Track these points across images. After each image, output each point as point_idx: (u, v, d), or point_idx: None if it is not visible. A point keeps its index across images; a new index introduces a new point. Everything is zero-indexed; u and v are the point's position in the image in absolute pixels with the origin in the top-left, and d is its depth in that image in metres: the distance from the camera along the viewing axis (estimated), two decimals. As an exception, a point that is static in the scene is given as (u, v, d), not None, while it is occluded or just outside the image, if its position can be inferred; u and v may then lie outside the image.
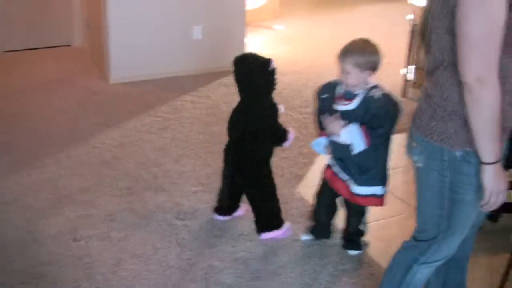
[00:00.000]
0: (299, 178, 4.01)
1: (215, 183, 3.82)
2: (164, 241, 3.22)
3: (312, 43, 7.02)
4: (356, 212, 3.14)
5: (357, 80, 2.76)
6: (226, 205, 3.46)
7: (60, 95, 5.19)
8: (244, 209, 3.49)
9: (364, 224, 3.18)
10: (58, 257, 3.08)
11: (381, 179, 2.94)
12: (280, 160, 4.18)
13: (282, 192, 3.76)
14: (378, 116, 2.74)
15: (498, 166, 1.95)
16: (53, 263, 3.04)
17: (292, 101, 5.26)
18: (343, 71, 2.78)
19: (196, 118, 4.81)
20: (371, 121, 2.76)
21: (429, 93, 2.04)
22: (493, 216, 3.50)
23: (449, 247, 2.22)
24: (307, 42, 7.06)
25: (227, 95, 5.29)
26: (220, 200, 3.47)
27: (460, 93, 1.91)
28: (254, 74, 3.17)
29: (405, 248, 2.34)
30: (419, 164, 2.12)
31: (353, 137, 2.77)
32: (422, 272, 2.30)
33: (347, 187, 2.99)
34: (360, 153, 2.80)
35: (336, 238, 3.32)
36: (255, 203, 3.28)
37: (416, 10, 5.23)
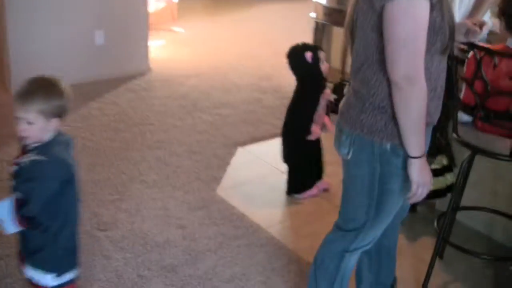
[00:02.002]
0: (216, 180, 3.99)
1: (132, 190, 3.75)
2: (87, 254, 3.11)
3: (213, 45, 7.02)
4: None
5: (40, 132, 2.13)
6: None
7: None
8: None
9: None
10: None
11: (53, 265, 2.23)
12: (195, 163, 4.15)
13: (201, 195, 3.74)
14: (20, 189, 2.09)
15: (424, 160, 2.03)
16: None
17: (201, 103, 5.23)
18: (22, 121, 2.10)
19: (105, 125, 4.68)
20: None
21: (356, 89, 2.08)
22: (412, 206, 3.63)
23: (375, 233, 2.29)
24: (208, 44, 7.05)
25: (134, 100, 5.19)
26: None
27: (387, 90, 1.97)
28: (289, 62, 3.74)
29: (332, 240, 2.39)
30: (348, 157, 2.15)
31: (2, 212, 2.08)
32: (353, 258, 2.37)
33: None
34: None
35: (265, 237, 3.33)
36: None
37: (318, 7, 5.32)
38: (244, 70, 6.16)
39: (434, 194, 3.30)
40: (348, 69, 5.40)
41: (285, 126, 3.84)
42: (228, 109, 5.13)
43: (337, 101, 4.39)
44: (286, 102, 5.29)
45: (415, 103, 1.92)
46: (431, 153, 3.24)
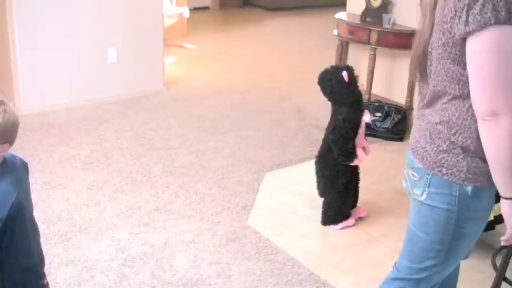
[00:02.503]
0: (247, 209, 3.75)
1: (158, 221, 3.51)
2: (117, 295, 2.87)
3: (226, 61, 6.80)
4: None
5: None
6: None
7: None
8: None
9: None
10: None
11: None
12: (222, 191, 3.92)
13: (232, 226, 3.51)
14: None
15: None
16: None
17: (221, 125, 5.00)
18: None
19: (123, 149, 4.44)
20: None
21: (435, 126, 1.90)
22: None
23: (440, 278, 2.14)
24: (221, 60, 6.83)
25: (150, 121, 4.95)
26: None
27: (472, 127, 1.81)
28: (320, 84, 3.55)
29: (392, 284, 2.21)
30: (421, 198, 1.97)
31: None
32: None
33: None
34: None
35: (304, 274, 3.08)
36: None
37: (341, 25, 5.11)
38: (262, 89, 5.94)
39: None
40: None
41: (322, 155, 3.60)
42: (250, 131, 4.90)
43: (374, 122, 4.23)
44: (309, 123, 5.12)
45: (505, 141, 1.73)
46: None
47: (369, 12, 5.07)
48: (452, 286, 2.41)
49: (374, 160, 4.30)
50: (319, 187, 3.66)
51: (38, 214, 3.45)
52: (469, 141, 1.83)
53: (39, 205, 3.57)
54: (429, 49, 1.86)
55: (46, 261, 3.03)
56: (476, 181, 1.85)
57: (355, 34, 4.99)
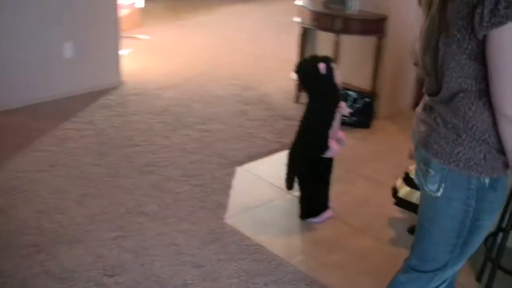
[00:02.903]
0: (222, 206, 3.63)
1: (133, 225, 3.36)
2: (100, 308, 2.71)
3: (183, 52, 6.63)
4: None
5: None
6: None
7: None
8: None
9: None
10: None
11: None
12: (194, 188, 3.78)
13: (210, 226, 3.39)
14: None
15: None
16: None
17: (184, 118, 4.84)
18: None
19: (86, 148, 4.24)
20: None
21: (447, 120, 1.85)
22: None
23: (453, 271, 2.12)
24: (178, 51, 6.65)
25: (111, 118, 4.76)
26: None
27: (488, 121, 1.78)
28: (298, 74, 3.44)
29: (403, 283, 2.16)
30: (437, 194, 1.92)
31: None
32: None
33: None
34: None
35: (291, 272, 2.99)
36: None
37: (304, 12, 5.01)
38: (222, 79, 5.80)
39: None
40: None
41: (298, 145, 3.51)
42: (215, 124, 4.76)
43: (352, 114, 4.15)
44: (274, 113, 5.02)
45: None
46: None
47: (331, -2, 4.98)
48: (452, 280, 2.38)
49: (343, 149, 4.23)
50: (288, 180, 3.56)
51: (2, 224, 3.27)
52: (486, 135, 1.79)
53: (3, 214, 3.37)
54: (440, 45, 1.80)
55: (19, 275, 2.87)
56: (493, 173, 1.83)
57: (319, 21, 4.89)
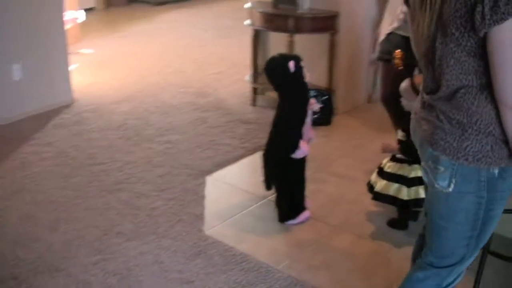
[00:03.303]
0: (199, 218, 3.57)
1: (112, 246, 3.27)
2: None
3: (129, 63, 6.51)
4: None
5: None
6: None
7: None
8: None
9: None
10: None
11: None
12: (168, 203, 3.72)
13: (191, 239, 3.34)
14: None
15: None
16: None
17: (144, 131, 4.76)
18: None
19: (49, 171, 4.11)
20: None
21: (451, 116, 1.87)
22: (415, 215, 3.47)
23: (468, 263, 2.15)
24: (123, 62, 6.54)
25: (69, 137, 4.63)
26: None
27: (492, 113, 1.81)
28: (266, 72, 3.44)
29: (421, 279, 2.17)
30: (448, 189, 1.95)
31: None
32: None
33: None
34: None
35: (282, 278, 2.97)
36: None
37: (255, 14, 4.99)
38: (175, 88, 5.72)
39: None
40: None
41: (270, 146, 3.49)
42: (176, 134, 4.70)
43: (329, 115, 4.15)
44: (232, 118, 4.99)
45: None
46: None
47: (281, -2, 4.98)
48: None
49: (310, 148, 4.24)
50: (265, 181, 3.54)
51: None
52: (491, 127, 1.82)
53: (-23, 249, 3.24)
54: (437, 45, 1.82)
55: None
56: (501, 162, 1.86)
57: (271, 22, 4.89)
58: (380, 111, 5.11)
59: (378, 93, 5.33)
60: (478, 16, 1.66)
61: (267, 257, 3.22)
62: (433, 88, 1.91)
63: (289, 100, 3.43)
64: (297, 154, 3.42)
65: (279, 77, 3.39)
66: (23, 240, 3.34)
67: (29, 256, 3.20)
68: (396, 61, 3.55)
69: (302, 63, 3.39)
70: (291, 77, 3.35)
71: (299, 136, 3.41)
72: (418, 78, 3.27)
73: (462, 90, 1.82)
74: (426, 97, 1.97)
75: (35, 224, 3.50)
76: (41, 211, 3.63)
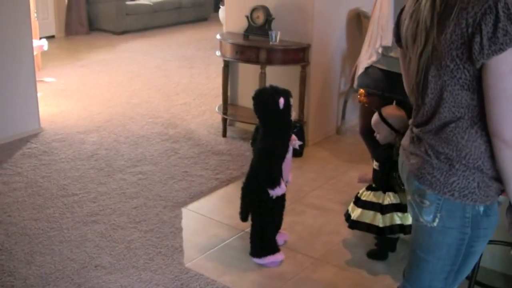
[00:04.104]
0: (178, 251, 3.52)
1: (91, 280, 3.20)
2: None
3: (92, 92, 6.44)
4: None
5: None
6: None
7: None
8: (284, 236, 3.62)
9: None
10: None
11: None
12: (145, 235, 3.66)
13: (172, 272, 3.30)
14: None
15: None
16: None
17: (115, 162, 4.68)
18: None
19: (20, 203, 4.00)
20: None
21: (439, 150, 1.88)
22: (393, 245, 3.54)
23: None
24: (87, 91, 6.45)
25: (39, 167, 4.53)
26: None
27: (481, 148, 1.83)
28: (255, 102, 3.36)
29: None
30: (433, 224, 1.96)
31: None
32: None
33: None
34: None
35: None
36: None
37: (225, 45, 5.01)
38: (143, 118, 5.67)
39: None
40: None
41: (250, 179, 3.45)
42: (148, 165, 4.64)
43: (298, 150, 4.15)
44: (204, 149, 4.97)
45: None
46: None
47: (252, 30, 5.00)
48: None
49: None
50: (241, 212, 3.49)
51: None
52: (479, 162, 1.83)
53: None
54: (430, 78, 1.85)
55: None
56: (487, 200, 1.88)
57: (242, 53, 4.90)
58: (350, 143, 5.21)
59: (346, 124, 5.44)
60: (476, 47, 1.69)
61: (250, 290, 3.19)
62: (423, 121, 1.93)
63: (273, 134, 3.39)
64: (276, 191, 3.36)
65: (266, 111, 3.33)
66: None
67: (6, 291, 3.09)
68: (361, 98, 3.63)
69: (291, 100, 3.34)
70: (278, 113, 3.30)
71: (280, 172, 3.39)
72: (387, 109, 3.35)
73: (453, 124, 1.83)
74: (415, 130, 1.98)
75: (9, 257, 3.39)
76: (15, 243, 3.52)
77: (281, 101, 3.26)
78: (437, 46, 1.79)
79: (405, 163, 2.03)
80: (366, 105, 3.61)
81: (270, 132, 3.39)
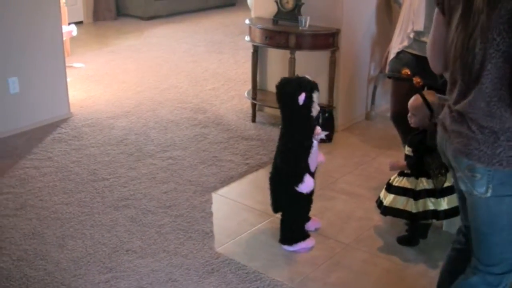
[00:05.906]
0: (209, 236, 3.52)
1: (123, 264, 3.21)
2: None
3: (121, 77, 6.44)
4: None
5: None
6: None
7: None
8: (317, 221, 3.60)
9: None
10: None
11: None
12: (176, 219, 3.66)
13: (203, 257, 3.29)
14: None
15: None
16: None
17: (145, 147, 4.70)
18: None
19: (51, 187, 4.03)
20: None
21: (484, 124, 1.96)
22: (424, 232, 3.48)
23: None
24: (115, 77, 6.46)
25: (70, 152, 4.55)
26: None
27: None
28: (278, 92, 3.27)
29: (474, 284, 2.21)
30: (487, 195, 2.03)
31: None
32: None
33: None
34: None
35: None
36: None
37: (255, 31, 4.98)
38: (172, 103, 5.67)
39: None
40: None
41: (277, 174, 3.39)
42: (177, 150, 4.64)
43: (328, 136, 4.11)
44: (234, 134, 4.96)
45: None
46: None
47: (281, 15, 4.96)
48: None
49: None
50: (272, 204, 3.47)
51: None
52: None
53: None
54: (476, 50, 1.91)
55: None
56: None
57: (271, 39, 4.87)
58: (379, 128, 5.16)
59: (376, 110, 5.38)
60: None
61: (280, 275, 3.18)
62: (465, 96, 1.98)
63: (292, 134, 3.29)
64: (302, 189, 3.32)
65: (286, 104, 3.27)
66: (29, 258, 3.27)
67: (37, 274, 3.13)
68: (405, 71, 3.51)
69: (315, 95, 3.23)
70: (297, 108, 3.21)
71: (305, 169, 3.32)
72: (429, 94, 3.28)
73: (495, 98, 1.90)
74: (457, 107, 2.02)
75: (41, 241, 3.42)
76: (46, 227, 3.55)
77: (301, 97, 3.16)
78: (487, 21, 1.85)
79: (447, 144, 2.09)
80: (421, 83, 3.40)
81: (290, 129, 3.30)
